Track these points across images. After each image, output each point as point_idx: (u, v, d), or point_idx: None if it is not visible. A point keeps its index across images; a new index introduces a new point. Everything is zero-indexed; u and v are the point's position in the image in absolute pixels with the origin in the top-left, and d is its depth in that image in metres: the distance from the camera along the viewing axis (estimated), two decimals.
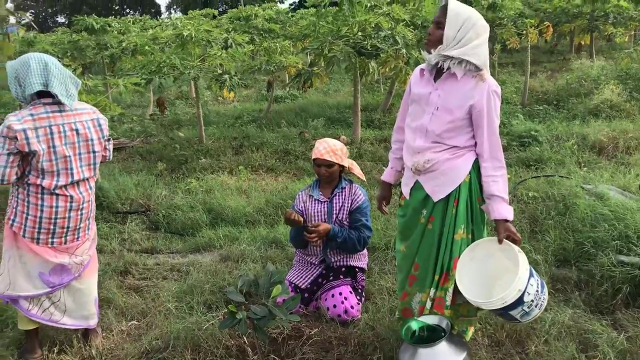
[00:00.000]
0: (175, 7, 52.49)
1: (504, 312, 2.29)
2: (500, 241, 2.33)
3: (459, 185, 2.42)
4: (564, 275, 3.42)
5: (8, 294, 2.71)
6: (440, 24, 2.34)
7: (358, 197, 3.25)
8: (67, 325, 2.87)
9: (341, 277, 3.21)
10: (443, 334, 2.39)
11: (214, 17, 17.80)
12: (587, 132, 6.36)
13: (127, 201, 5.33)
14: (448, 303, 2.46)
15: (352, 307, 3.04)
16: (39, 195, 2.64)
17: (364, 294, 3.28)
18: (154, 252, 4.41)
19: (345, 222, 3.23)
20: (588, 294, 3.20)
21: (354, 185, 3.32)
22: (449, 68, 2.35)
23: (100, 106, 5.19)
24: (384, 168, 5.76)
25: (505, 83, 9.89)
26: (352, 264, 3.28)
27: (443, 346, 2.33)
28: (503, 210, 2.34)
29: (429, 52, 2.41)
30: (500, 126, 7.21)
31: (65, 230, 2.73)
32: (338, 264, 3.27)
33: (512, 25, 9.90)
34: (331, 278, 3.21)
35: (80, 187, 2.76)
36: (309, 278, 3.28)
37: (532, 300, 2.26)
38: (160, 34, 8.94)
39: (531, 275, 2.30)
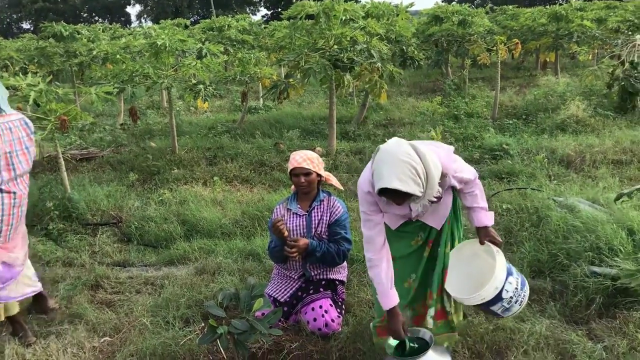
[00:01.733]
0: (145, 16, 51.91)
1: (486, 307, 2.41)
2: (481, 243, 2.50)
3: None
4: (539, 286, 3.47)
5: None
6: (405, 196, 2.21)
7: (337, 210, 3.24)
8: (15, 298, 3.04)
9: (321, 290, 3.18)
10: (425, 346, 2.39)
11: (186, 27, 17.66)
12: (556, 146, 6.54)
13: (97, 212, 5.18)
14: (450, 308, 2.64)
15: (332, 320, 3.01)
16: (7, 197, 2.76)
17: (344, 306, 3.26)
18: (126, 265, 4.29)
19: (324, 236, 3.21)
20: (563, 304, 3.26)
21: (332, 197, 3.31)
22: None
23: (71, 115, 5.06)
24: None
25: (475, 97, 10.11)
26: (332, 277, 3.26)
27: (427, 358, 2.34)
28: (483, 218, 2.52)
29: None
30: (472, 139, 7.32)
31: (9, 227, 2.82)
32: (318, 277, 3.24)
33: (482, 41, 10.17)
34: (311, 291, 3.18)
35: (19, 183, 2.88)
36: (288, 291, 3.24)
37: (512, 297, 2.39)
38: (132, 42, 8.78)
39: (509, 273, 2.41)
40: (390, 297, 2.42)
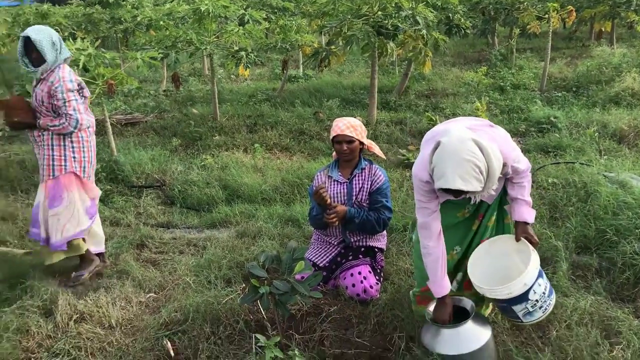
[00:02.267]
0: None
1: (507, 305, 2.31)
2: (517, 239, 2.41)
3: None
4: (584, 262, 3.38)
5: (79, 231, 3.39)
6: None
7: (378, 178, 3.21)
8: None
9: (360, 256, 3.20)
10: (466, 315, 2.38)
11: None
12: (608, 120, 6.25)
13: (142, 175, 5.33)
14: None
15: (371, 286, 3.03)
16: (89, 137, 3.39)
17: (382, 274, 3.27)
18: (170, 227, 4.42)
19: (364, 204, 3.20)
20: (609, 281, 3.17)
21: (374, 165, 3.28)
22: None
23: (117, 79, 5.17)
24: (400, 150, 5.74)
25: (523, 68, 9.72)
26: (371, 244, 3.27)
27: (467, 327, 2.33)
28: (525, 212, 2.42)
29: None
30: (518, 111, 7.08)
31: (91, 165, 3.48)
32: (357, 244, 3.25)
33: (533, 8, 9.71)
34: (350, 257, 3.20)
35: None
36: (327, 257, 3.27)
37: (537, 301, 2.29)
38: (176, 8, 8.81)
39: (540, 275, 2.32)
40: (442, 286, 2.40)
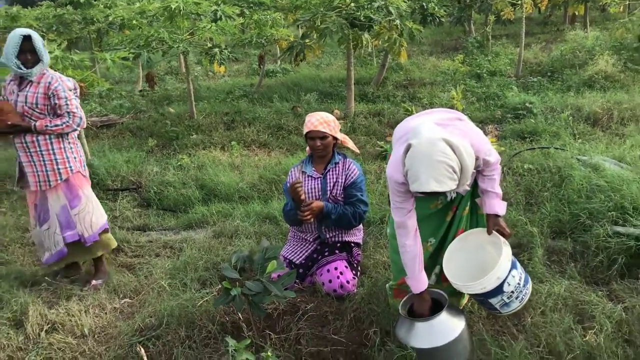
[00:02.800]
0: None
1: (484, 298, 2.32)
2: (489, 232, 2.40)
3: None
4: (559, 246, 3.41)
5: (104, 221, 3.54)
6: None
7: (352, 172, 3.19)
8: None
9: (336, 252, 3.18)
10: (440, 308, 2.37)
11: None
12: (582, 104, 6.31)
13: (117, 178, 5.25)
14: None
15: (347, 281, 3.01)
16: (76, 137, 3.41)
17: (359, 268, 3.26)
18: (146, 229, 4.36)
19: (339, 198, 3.18)
20: (583, 265, 3.19)
21: (347, 159, 3.26)
22: None
23: (87, 81, 5.07)
24: (378, 142, 5.73)
25: (499, 55, 9.76)
26: (347, 239, 3.25)
27: (440, 320, 2.32)
28: (496, 205, 2.41)
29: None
30: (494, 98, 7.12)
31: None
32: (333, 239, 3.23)
33: None
34: (326, 253, 3.18)
35: None
36: (303, 253, 3.25)
37: (512, 292, 2.29)
38: (147, 7, 8.66)
39: (514, 267, 2.32)
40: (420, 282, 2.39)
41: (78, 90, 3.36)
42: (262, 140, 6.33)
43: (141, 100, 8.50)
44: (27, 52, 3.10)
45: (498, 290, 2.26)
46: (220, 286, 3.16)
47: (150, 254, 3.87)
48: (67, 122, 3.22)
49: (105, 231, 3.56)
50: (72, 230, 3.35)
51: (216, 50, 6.73)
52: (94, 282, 3.43)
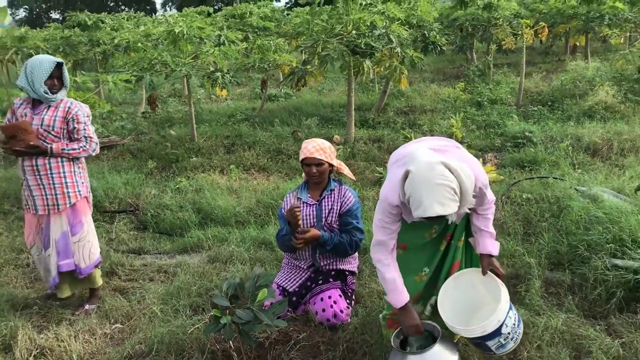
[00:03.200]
0: (170, 4, 52.25)
1: (482, 341, 2.28)
2: (484, 273, 2.38)
3: None
4: (557, 278, 3.36)
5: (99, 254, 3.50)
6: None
7: (348, 199, 3.18)
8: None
9: (331, 280, 3.14)
10: (433, 340, 2.33)
11: (209, 14, 17.69)
12: (582, 134, 6.32)
13: (115, 200, 5.24)
14: None
15: (341, 311, 2.97)
16: (84, 163, 3.42)
17: (354, 297, 3.21)
18: (141, 253, 4.33)
19: (335, 225, 3.15)
20: (581, 298, 3.15)
21: (343, 186, 3.24)
22: None
23: (89, 103, 5.11)
24: (377, 168, 5.73)
25: (500, 83, 9.84)
26: (342, 267, 3.21)
27: (433, 352, 2.28)
28: (489, 245, 2.40)
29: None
30: (494, 126, 7.13)
31: None
32: (327, 267, 3.20)
33: (507, 25, 9.87)
34: (320, 281, 3.14)
35: None
36: (297, 281, 3.21)
37: (509, 333, 2.26)
38: (152, 30, 8.82)
39: (510, 308, 2.29)
40: (402, 294, 2.37)
41: (90, 117, 3.41)
42: (261, 164, 6.34)
43: (143, 122, 8.56)
44: (56, 79, 3.16)
45: (497, 332, 2.23)
46: (211, 313, 3.13)
47: (144, 278, 3.83)
48: (84, 146, 3.25)
49: (96, 265, 3.49)
50: (69, 259, 3.30)
51: (218, 74, 6.80)
52: (87, 306, 3.38)
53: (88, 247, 3.37)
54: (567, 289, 3.26)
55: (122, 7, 51.05)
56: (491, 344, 2.26)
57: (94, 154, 3.34)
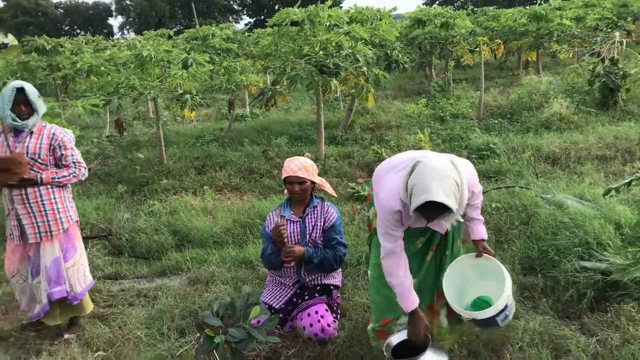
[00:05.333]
0: (128, 27, 51.72)
1: (492, 319, 2.39)
2: (480, 255, 2.54)
3: None
4: (531, 282, 3.51)
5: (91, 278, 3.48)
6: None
7: (331, 215, 3.25)
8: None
9: (316, 295, 3.19)
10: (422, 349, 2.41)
11: (170, 37, 17.63)
12: (541, 144, 6.63)
13: (87, 226, 5.13)
14: (445, 319, 2.62)
15: (328, 325, 3.02)
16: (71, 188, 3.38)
17: (339, 311, 3.26)
18: (118, 278, 4.25)
19: (319, 241, 3.21)
20: (555, 300, 3.30)
21: (325, 203, 3.31)
22: None
23: None
24: (350, 184, 5.84)
25: (460, 98, 10.20)
26: (326, 282, 3.27)
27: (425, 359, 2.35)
28: (482, 231, 2.60)
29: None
30: (458, 139, 7.36)
31: None
32: (313, 282, 3.25)
33: (464, 42, 10.28)
34: (306, 297, 3.18)
35: None
36: (283, 298, 3.24)
37: (510, 304, 2.42)
38: (117, 54, 8.74)
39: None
40: (411, 299, 2.42)
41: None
42: (234, 184, 6.35)
43: (109, 146, 8.42)
44: (22, 104, 3.07)
45: (505, 307, 2.39)
46: (198, 335, 3.12)
47: (124, 303, 3.76)
48: (74, 172, 3.22)
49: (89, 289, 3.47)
50: (60, 286, 3.22)
51: (187, 96, 6.80)
52: (66, 335, 3.30)
53: (82, 271, 3.36)
54: (540, 292, 3.41)
55: (78, 31, 50.17)
56: (500, 318, 2.40)
57: (83, 179, 3.32)
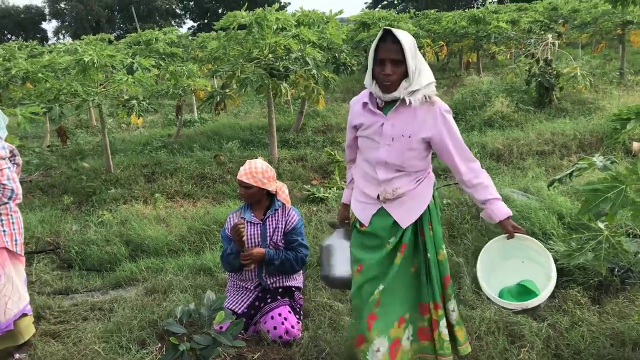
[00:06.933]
0: (63, 32, 49.59)
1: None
2: (512, 236, 2.34)
3: (427, 207, 2.40)
4: None
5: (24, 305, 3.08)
6: (397, 61, 2.21)
7: (292, 218, 3.26)
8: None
9: (278, 298, 3.19)
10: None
11: (110, 42, 17.06)
12: (485, 141, 6.91)
13: (32, 240, 4.89)
14: (445, 330, 2.41)
15: (292, 327, 3.03)
16: (16, 208, 3.08)
17: (302, 312, 3.28)
18: (69, 292, 4.08)
19: (280, 244, 3.22)
20: None
21: (287, 206, 3.32)
22: (403, 99, 2.27)
23: None
24: (305, 186, 5.87)
25: None
26: (288, 284, 3.28)
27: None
28: (503, 209, 2.34)
29: (389, 92, 2.28)
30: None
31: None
32: (274, 285, 3.25)
33: None
34: (269, 300, 3.18)
35: None
36: (245, 302, 3.22)
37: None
38: (57, 59, 8.35)
39: None
40: (345, 195, 2.71)
41: (17, 158, 3.07)
42: (185, 190, 6.23)
43: (51, 157, 8.05)
44: None
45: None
46: (160, 345, 3.05)
47: (77, 318, 3.61)
48: None
49: (23, 315, 3.10)
50: None
51: (134, 102, 6.61)
52: (17, 356, 3.13)
53: (4, 301, 2.96)
54: None
55: (9, 36, 47.59)
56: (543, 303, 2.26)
57: (10, 202, 2.89)
